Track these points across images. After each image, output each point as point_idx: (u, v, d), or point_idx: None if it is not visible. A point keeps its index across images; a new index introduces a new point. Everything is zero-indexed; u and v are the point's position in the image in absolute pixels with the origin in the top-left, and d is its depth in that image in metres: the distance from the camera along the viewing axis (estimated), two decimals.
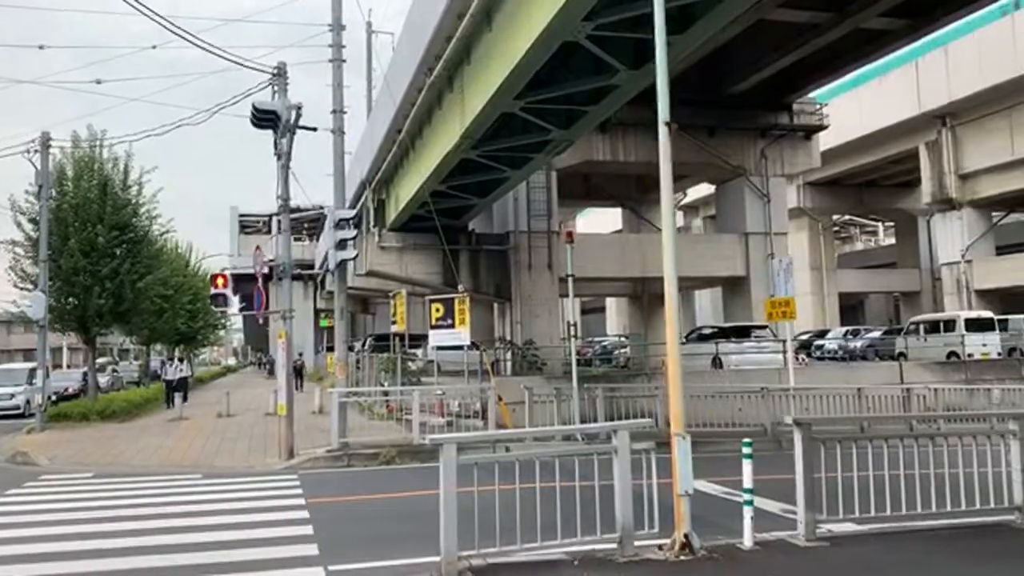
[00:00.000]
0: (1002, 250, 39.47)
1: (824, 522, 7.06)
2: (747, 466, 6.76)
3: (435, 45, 15.80)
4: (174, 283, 32.75)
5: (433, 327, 17.46)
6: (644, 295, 36.87)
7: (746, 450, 6.84)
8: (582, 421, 15.55)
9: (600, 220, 51.99)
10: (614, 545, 6.42)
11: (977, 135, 35.74)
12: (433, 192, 21.69)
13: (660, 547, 6.54)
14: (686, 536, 6.47)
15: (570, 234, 17.70)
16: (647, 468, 6.67)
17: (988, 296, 36.94)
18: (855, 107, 38.12)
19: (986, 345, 27.05)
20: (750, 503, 6.74)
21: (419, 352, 24.28)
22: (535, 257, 27.18)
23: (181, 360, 28.86)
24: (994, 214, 38.75)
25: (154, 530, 8.35)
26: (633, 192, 34.97)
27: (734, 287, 29.90)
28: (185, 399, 24.76)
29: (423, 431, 13.97)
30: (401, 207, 25.44)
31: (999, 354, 27.32)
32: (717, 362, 25.01)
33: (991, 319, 28.38)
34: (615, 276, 30.20)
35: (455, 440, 6.33)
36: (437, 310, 17.45)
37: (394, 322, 20.04)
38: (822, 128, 29.71)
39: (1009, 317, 29.70)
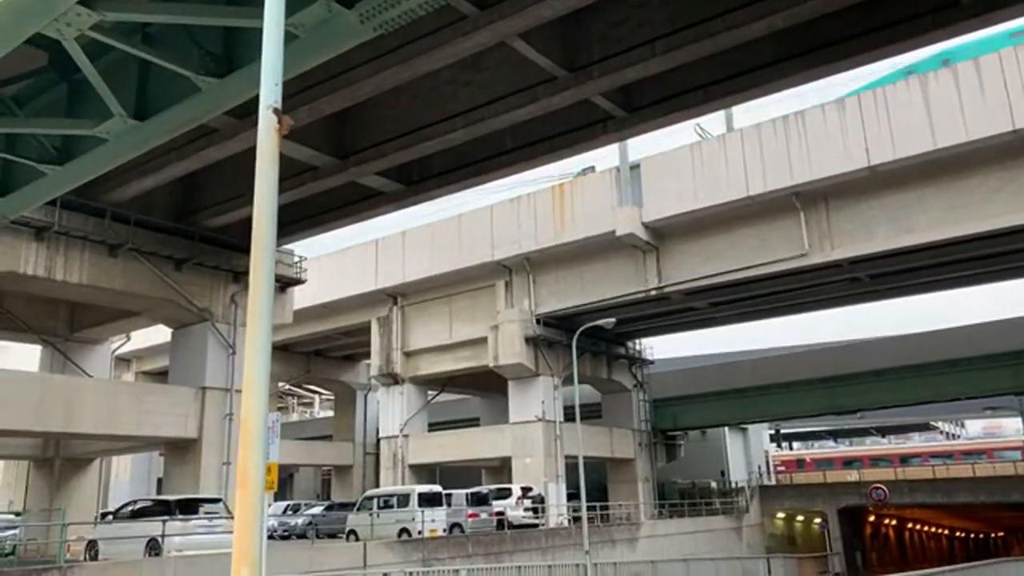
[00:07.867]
0: (433, 427, 42.02)
1: None
2: None
3: None
4: None
5: None
6: (57, 458, 28.44)
7: None
8: None
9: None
10: None
11: (422, 316, 38.21)
12: None
13: None
14: None
15: None
16: None
17: (419, 470, 38.36)
18: (314, 274, 37.58)
19: (435, 521, 26.77)
20: None
21: None
22: None
23: None
24: (430, 392, 41.23)
25: None
26: (61, 325, 27.63)
27: (182, 451, 24.68)
28: None
29: None
30: None
31: (445, 530, 27.26)
32: (155, 547, 19.51)
33: (439, 494, 28.42)
34: (26, 430, 22.40)
35: None
36: None
37: None
38: (300, 282, 27.85)
39: (453, 492, 30.28)
